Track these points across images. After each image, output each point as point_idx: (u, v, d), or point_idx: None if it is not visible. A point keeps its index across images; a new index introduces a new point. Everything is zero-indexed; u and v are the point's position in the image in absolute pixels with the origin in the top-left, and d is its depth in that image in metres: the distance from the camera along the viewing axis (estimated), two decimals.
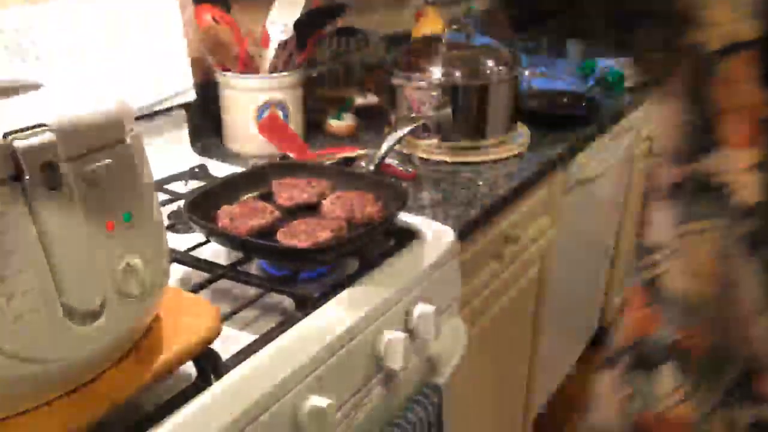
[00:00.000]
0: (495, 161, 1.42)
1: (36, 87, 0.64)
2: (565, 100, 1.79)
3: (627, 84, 1.97)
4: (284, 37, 1.33)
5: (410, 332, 0.99)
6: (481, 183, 1.33)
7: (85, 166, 0.60)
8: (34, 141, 0.55)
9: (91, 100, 0.63)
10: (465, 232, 1.17)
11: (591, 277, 2.24)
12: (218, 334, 0.75)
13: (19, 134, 0.55)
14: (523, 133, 1.53)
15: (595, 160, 1.76)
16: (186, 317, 0.76)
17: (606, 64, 2.02)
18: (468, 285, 1.28)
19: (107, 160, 0.62)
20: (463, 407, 1.42)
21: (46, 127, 0.56)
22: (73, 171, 0.59)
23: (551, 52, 2.71)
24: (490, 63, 1.43)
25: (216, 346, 0.76)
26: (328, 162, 1.30)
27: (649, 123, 2.23)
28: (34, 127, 0.56)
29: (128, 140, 0.64)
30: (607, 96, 1.91)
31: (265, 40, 1.36)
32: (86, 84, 0.65)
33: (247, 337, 0.84)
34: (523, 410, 1.91)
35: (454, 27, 1.45)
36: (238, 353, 0.80)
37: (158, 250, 0.69)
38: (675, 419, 0.71)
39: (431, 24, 1.81)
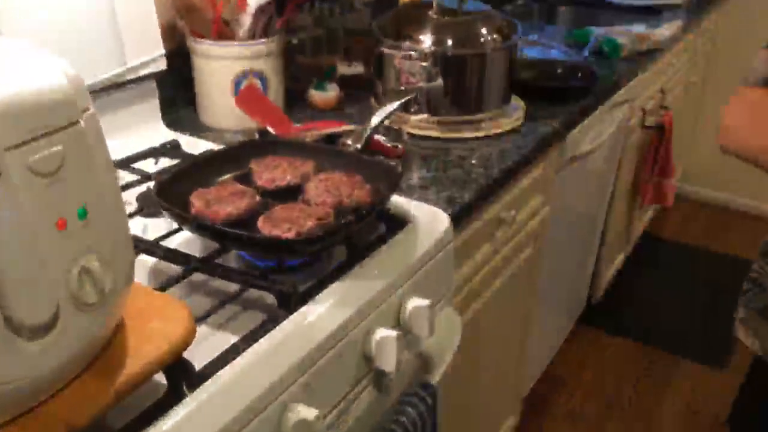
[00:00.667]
0: (489, 137, 1.34)
1: None
2: (559, 70, 1.70)
3: (622, 54, 1.88)
4: (263, 0, 1.22)
5: (402, 329, 0.91)
6: (474, 161, 1.24)
7: (31, 155, 0.50)
8: None
9: (36, 74, 0.53)
10: (459, 217, 1.08)
11: (580, 253, 2.17)
12: (191, 340, 0.66)
13: None
14: (517, 106, 1.44)
15: (590, 135, 1.68)
16: (154, 321, 0.67)
17: (600, 32, 1.92)
18: (459, 270, 1.20)
19: (57, 147, 0.52)
20: (455, 393, 1.35)
21: None
22: (16, 161, 0.49)
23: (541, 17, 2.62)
24: (484, 31, 1.34)
25: (189, 350, 0.67)
26: (311, 138, 1.21)
27: (644, 93, 2.15)
28: None
29: (82, 122, 0.55)
30: (602, 66, 1.82)
31: (241, 4, 1.25)
32: (31, 54, 0.55)
33: (224, 339, 0.76)
34: (513, 391, 1.85)
35: None
36: (215, 360, 0.71)
37: (120, 248, 0.60)
38: None
39: None
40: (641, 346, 2.44)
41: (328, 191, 0.92)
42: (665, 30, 2.01)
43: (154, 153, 1.16)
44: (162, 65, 1.23)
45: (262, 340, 0.74)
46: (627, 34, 1.92)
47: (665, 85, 2.41)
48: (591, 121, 1.65)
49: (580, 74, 1.67)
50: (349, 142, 1.06)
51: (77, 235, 0.54)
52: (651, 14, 2.45)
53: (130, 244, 0.62)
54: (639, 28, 2.01)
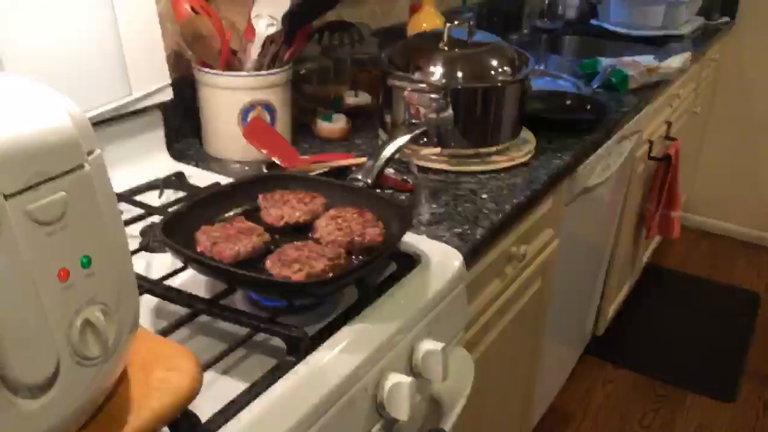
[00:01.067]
0: (499, 170, 1.31)
1: None
2: (568, 102, 1.67)
3: (631, 85, 1.86)
4: (272, 30, 1.20)
5: (415, 373, 0.87)
6: (485, 196, 1.21)
7: (31, 203, 0.47)
8: None
9: (38, 114, 0.50)
10: (471, 254, 1.05)
11: (587, 285, 2.13)
12: (197, 392, 0.63)
13: None
14: (527, 139, 1.41)
15: (599, 167, 1.65)
16: (159, 371, 0.63)
17: (609, 63, 1.91)
18: (468, 308, 1.16)
19: (60, 193, 0.49)
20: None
21: None
22: (16, 209, 0.46)
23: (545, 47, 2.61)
24: (495, 63, 1.31)
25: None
26: (318, 171, 1.18)
27: (650, 125, 2.13)
28: None
29: (87, 166, 0.51)
30: (611, 97, 1.80)
31: (249, 34, 1.22)
32: (31, 92, 0.52)
33: (231, 386, 0.72)
34: (520, 426, 1.80)
35: (456, 23, 1.33)
36: (222, 410, 0.68)
37: (125, 296, 0.57)
38: None
39: (428, 18, 1.69)
40: (647, 378, 2.40)
41: (339, 229, 0.89)
42: (674, 61, 2.00)
43: (158, 184, 1.13)
44: (168, 95, 1.20)
45: (270, 390, 0.71)
46: (635, 65, 1.90)
47: (671, 116, 2.40)
48: (600, 153, 1.62)
49: (589, 106, 1.65)
50: (359, 176, 1.03)
51: (80, 286, 0.51)
52: (656, 44, 2.45)
53: (135, 291, 0.59)
54: (647, 59, 2.00)
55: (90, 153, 0.52)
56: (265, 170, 1.22)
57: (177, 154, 1.30)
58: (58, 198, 0.49)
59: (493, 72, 1.30)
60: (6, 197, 0.45)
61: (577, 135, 1.51)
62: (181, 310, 0.83)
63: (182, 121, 1.37)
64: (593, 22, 2.73)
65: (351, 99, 1.56)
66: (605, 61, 1.92)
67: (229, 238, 0.85)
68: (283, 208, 0.94)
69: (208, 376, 0.73)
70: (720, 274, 3.00)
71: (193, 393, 0.62)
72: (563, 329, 1.98)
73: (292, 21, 1.23)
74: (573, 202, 1.59)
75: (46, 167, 0.48)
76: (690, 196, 3.27)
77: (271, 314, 0.80)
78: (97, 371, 0.54)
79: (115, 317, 0.54)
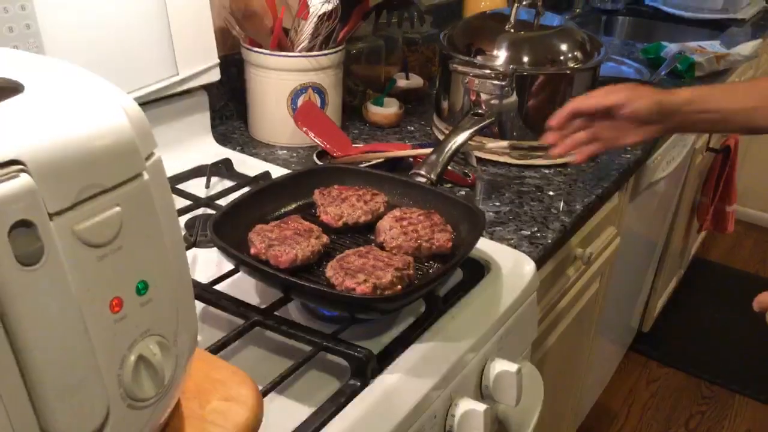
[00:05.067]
0: (565, 165, 1.21)
1: (15, 90, 0.42)
2: None
3: (697, 73, 1.75)
4: (327, 8, 1.11)
5: (484, 395, 0.79)
6: (552, 193, 1.12)
7: (81, 222, 0.39)
8: (0, 190, 0.35)
9: (89, 114, 0.42)
10: (542, 260, 0.96)
11: (637, 280, 2.03)
12: (258, 427, 0.55)
13: None
14: None
15: (665, 160, 1.55)
16: (214, 401, 0.56)
17: (673, 49, 1.79)
18: None
19: (115, 209, 0.41)
20: None
21: (20, 167, 0.36)
22: (62, 230, 0.38)
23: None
24: (565, 48, 1.21)
25: None
26: (373, 162, 1.09)
27: None
28: (0, 166, 0.35)
29: (146, 175, 0.43)
30: (676, 86, 1.69)
31: (302, 12, 1.13)
32: (82, 85, 0.44)
33: (289, 409, 0.65)
34: (567, 426, 1.72)
35: (524, 2, 1.23)
36: None
37: (184, 322, 0.49)
38: None
39: None
40: (694, 378, 2.31)
41: (404, 233, 0.80)
42: (744, 49, 1.87)
43: (204, 172, 1.05)
44: (215, 76, 1.12)
45: (335, 420, 0.63)
46: (703, 52, 1.78)
47: None
48: (667, 145, 1.52)
49: None
50: (423, 171, 0.94)
51: (134, 316, 0.43)
52: (715, 28, 2.32)
53: (194, 315, 0.51)
54: (714, 46, 1.87)
55: (148, 158, 0.44)
56: (315, 158, 1.14)
57: (221, 138, 1.22)
58: (113, 214, 0.41)
59: (562, 57, 1.20)
60: (51, 216, 0.38)
61: None
62: (230, 318, 0.76)
63: (227, 103, 1.29)
64: (648, 2, 2.59)
65: (402, 82, 1.47)
66: (670, 47, 1.80)
67: (285, 240, 0.77)
68: (341, 206, 0.86)
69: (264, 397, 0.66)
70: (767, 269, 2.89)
71: (254, 429, 0.55)
72: (612, 326, 1.89)
73: None
74: (636, 198, 1.49)
75: (99, 178, 0.40)
76: (738, 189, 3.13)
77: (333, 329, 0.72)
78: (152, 412, 0.46)
79: (172, 350, 0.46)
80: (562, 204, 1.08)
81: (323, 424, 0.62)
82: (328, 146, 1.10)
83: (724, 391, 2.25)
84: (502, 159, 1.21)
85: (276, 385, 0.65)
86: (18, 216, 0.35)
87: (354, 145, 1.15)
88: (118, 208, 0.41)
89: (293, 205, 0.89)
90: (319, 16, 1.12)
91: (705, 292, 2.73)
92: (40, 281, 0.37)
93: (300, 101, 1.17)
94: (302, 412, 0.65)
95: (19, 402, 0.38)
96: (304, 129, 1.09)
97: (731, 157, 2.19)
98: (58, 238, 0.38)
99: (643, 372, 2.33)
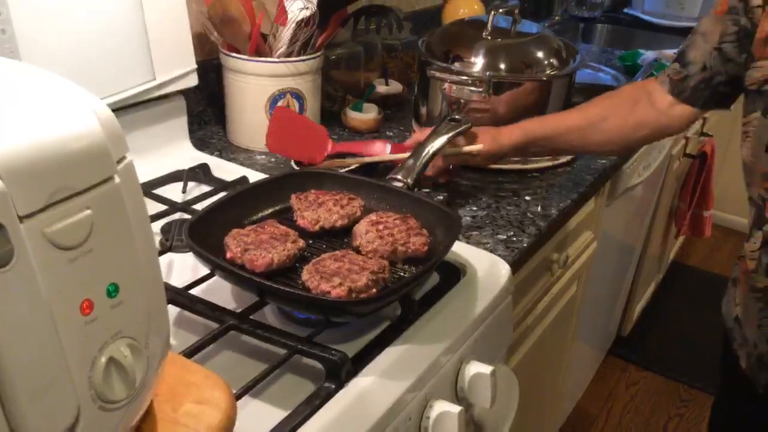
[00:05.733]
0: (542, 169, 1.23)
1: None
2: None
3: None
4: (306, 14, 1.11)
5: (459, 398, 0.80)
6: (528, 198, 1.13)
7: (52, 224, 0.39)
8: None
9: (61, 117, 0.42)
10: (517, 264, 0.97)
11: (615, 284, 2.05)
12: (231, 429, 0.55)
13: None
14: None
15: (641, 165, 1.57)
16: (187, 404, 0.56)
17: (650, 56, 1.81)
18: None
19: (86, 212, 0.41)
20: None
21: None
22: (33, 233, 0.38)
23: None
24: (541, 55, 1.23)
25: None
26: (352, 167, 1.10)
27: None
28: None
29: (116, 178, 0.44)
30: None
31: (281, 18, 1.14)
32: (53, 88, 0.45)
33: (263, 413, 0.65)
34: (546, 429, 1.74)
35: (501, 10, 1.24)
36: None
37: (156, 325, 0.49)
38: None
39: (466, 4, 1.59)
40: (672, 382, 2.33)
41: (380, 237, 0.81)
42: None
43: (181, 176, 1.05)
44: (193, 81, 1.12)
45: (309, 422, 0.63)
46: None
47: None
48: (643, 151, 1.54)
49: None
50: (400, 176, 0.95)
51: (105, 319, 0.43)
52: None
53: (166, 318, 0.51)
54: None
55: (120, 161, 0.45)
56: (293, 163, 1.14)
57: (198, 143, 1.23)
58: (83, 217, 0.41)
59: (538, 64, 1.22)
60: (21, 219, 0.38)
61: None
62: (205, 322, 0.76)
63: (205, 108, 1.29)
64: (626, 10, 2.62)
65: (382, 87, 1.48)
66: (646, 54, 1.82)
67: (261, 245, 0.77)
68: (318, 210, 0.86)
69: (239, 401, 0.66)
70: None
71: (227, 429, 0.55)
72: (590, 330, 1.91)
73: (327, 4, 1.14)
74: (613, 203, 1.51)
75: (70, 181, 0.40)
76: (716, 194, 3.17)
77: (308, 333, 0.73)
78: (123, 414, 0.46)
79: (144, 352, 0.47)
80: (538, 208, 1.10)
81: (297, 426, 0.63)
82: (305, 160, 1.10)
83: (702, 395, 2.28)
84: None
85: (250, 389, 0.66)
86: None
87: (335, 143, 1.15)
88: (89, 211, 0.42)
89: (270, 210, 0.90)
90: (298, 22, 1.13)
91: (683, 296, 2.75)
92: (10, 283, 0.37)
93: (278, 106, 1.17)
94: (276, 415, 0.65)
95: None
96: (277, 153, 1.10)
97: (708, 163, 2.22)
98: (28, 241, 0.38)
99: (623, 376, 2.35)
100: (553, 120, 1.08)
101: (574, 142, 1.06)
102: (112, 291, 0.44)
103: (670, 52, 1.88)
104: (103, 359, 0.44)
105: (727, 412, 1.10)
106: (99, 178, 0.42)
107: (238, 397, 0.64)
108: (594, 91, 1.59)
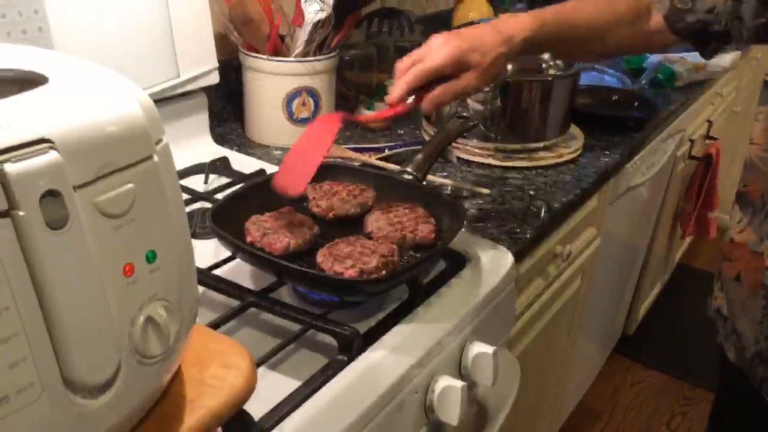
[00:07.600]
0: (547, 167, 1.27)
1: (41, 82, 0.48)
2: (615, 98, 1.63)
3: (678, 83, 1.81)
4: (321, 15, 1.17)
5: (463, 376, 0.85)
6: (533, 192, 1.18)
7: (100, 195, 0.45)
8: (33, 164, 0.41)
9: (107, 102, 0.47)
10: (520, 253, 1.02)
11: (621, 283, 2.10)
12: (252, 391, 0.61)
13: (13, 154, 0.40)
14: (576, 135, 1.38)
15: (645, 165, 1.61)
16: (213, 368, 0.61)
17: (655, 60, 1.86)
18: None
19: (128, 185, 0.47)
20: None
21: (49, 144, 0.42)
22: (84, 201, 0.44)
23: None
24: (547, 56, 1.28)
25: None
26: (363, 161, 1.15)
27: (692, 123, 2.08)
28: (32, 143, 0.41)
29: (155, 157, 0.49)
30: (656, 94, 1.75)
31: (298, 19, 1.20)
32: (100, 77, 0.50)
33: (280, 383, 0.71)
34: (549, 424, 1.78)
35: (509, 13, 1.29)
36: (274, 410, 0.66)
37: (187, 291, 0.54)
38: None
39: (476, 7, 1.65)
40: (676, 381, 2.36)
41: (390, 224, 0.86)
42: (722, 60, 1.94)
43: (203, 169, 1.11)
44: (215, 79, 1.18)
45: (322, 390, 0.69)
46: (683, 62, 1.85)
47: (712, 115, 2.34)
48: (646, 151, 1.58)
49: (636, 103, 1.60)
50: (409, 169, 1.00)
51: (144, 282, 0.49)
52: None
53: (195, 286, 0.57)
54: (694, 56, 1.94)
55: (158, 142, 0.50)
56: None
57: (219, 138, 1.28)
58: (127, 190, 0.47)
59: (544, 65, 1.27)
60: (75, 188, 0.43)
61: (623, 132, 1.47)
62: (227, 300, 0.81)
63: (225, 105, 1.35)
64: None
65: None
66: (651, 57, 1.87)
67: (279, 230, 0.83)
68: (332, 199, 0.92)
69: (258, 371, 0.71)
70: None
71: (249, 392, 0.60)
72: (595, 327, 1.95)
73: (342, 6, 1.20)
74: (616, 201, 1.55)
75: (116, 158, 0.46)
76: (723, 196, 3.20)
77: (323, 310, 0.78)
78: (158, 369, 0.52)
79: (177, 314, 0.52)
80: (542, 203, 1.14)
81: (311, 393, 0.68)
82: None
83: (706, 393, 2.31)
84: (486, 161, 1.27)
85: (268, 359, 0.71)
86: (47, 186, 0.41)
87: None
88: (131, 185, 0.47)
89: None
90: (314, 23, 1.18)
91: (689, 297, 2.79)
92: (65, 244, 0.42)
93: (294, 105, 1.23)
94: (292, 384, 0.70)
95: (45, 353, 0.43)
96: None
97: (713, 165, 2.26)
98: (80, 208, 0.43)
99: (627, 374, 2.39)
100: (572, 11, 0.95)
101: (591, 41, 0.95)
102: (151, 257, 0.49)
103: (676, 56, 1.93)
104: (142, 318, 0.49)
105: (726, 406, 1.13)
106: (140, 156, 0.48)
107: (258, 364, 0.69)
108: (598, 93, 1.64)
